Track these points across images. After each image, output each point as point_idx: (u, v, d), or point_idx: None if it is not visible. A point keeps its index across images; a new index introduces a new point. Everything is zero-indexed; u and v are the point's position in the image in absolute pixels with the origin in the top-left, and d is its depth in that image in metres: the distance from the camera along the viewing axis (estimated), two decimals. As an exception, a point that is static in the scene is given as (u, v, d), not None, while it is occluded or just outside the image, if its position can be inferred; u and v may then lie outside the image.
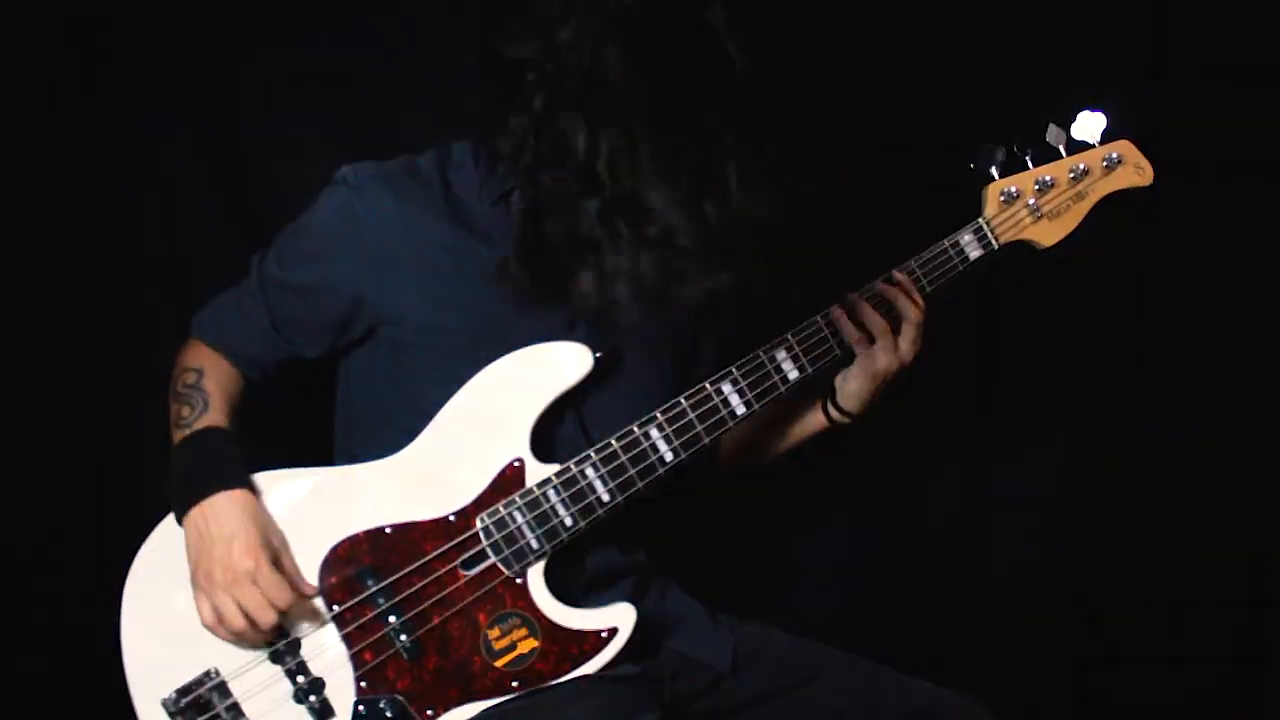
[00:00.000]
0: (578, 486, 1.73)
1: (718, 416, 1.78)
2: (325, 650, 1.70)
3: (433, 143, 1.80)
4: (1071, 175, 1.93)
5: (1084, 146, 1.94)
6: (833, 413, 1.96)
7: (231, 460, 1.71)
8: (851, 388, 1.91)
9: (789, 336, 1.82)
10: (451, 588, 1.71)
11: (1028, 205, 1.91)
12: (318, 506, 1.73)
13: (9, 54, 1.98)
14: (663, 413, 1.76)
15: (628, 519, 1.78)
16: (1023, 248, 1.93)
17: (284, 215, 1.82)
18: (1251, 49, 2.27)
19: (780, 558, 2.40)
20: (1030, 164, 1.92)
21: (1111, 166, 1.94)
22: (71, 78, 2.04)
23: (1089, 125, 1.93)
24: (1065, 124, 1.92)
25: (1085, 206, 1.94)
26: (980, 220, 1.90)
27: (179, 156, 2.11)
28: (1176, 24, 2.26)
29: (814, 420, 1.99)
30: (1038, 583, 2.41)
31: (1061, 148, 1.93)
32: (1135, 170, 1.95)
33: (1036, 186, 1.91)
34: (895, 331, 1.85)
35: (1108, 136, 1.93)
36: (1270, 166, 2.29)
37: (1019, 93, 2.21)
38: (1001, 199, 1.90)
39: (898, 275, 1.87)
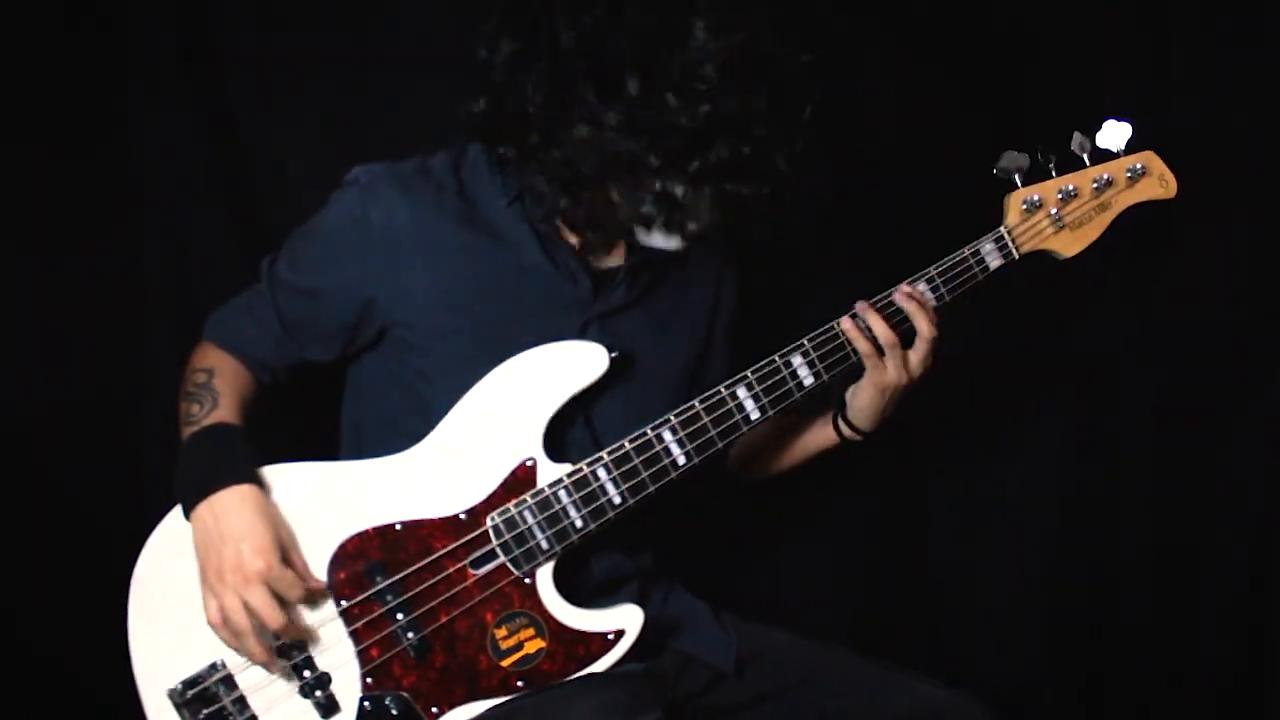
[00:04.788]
0: (589, 488, 1.72)
1: (731, 421, 1.77)
2: (332, 645, 1.69)
3: (436, 145, 1.77)
4: (1095, 185, 1.90)
5: (1108, 156, 1.91)
6: (843, 429, 1.92)
7: (240, 455, 1.69)
8: (860, 401, 1.87)
9: (805, 342, 1.80)
10: (460, 586, 1.71)
11: (1050, 215, 1.89)
12: (328, 501, 1.72)
13: (9, 55, 1.95)
14: (676, 415, 1.75)
15: (635, 524, 1.77)
16: (1043, 258, 1.92)
17: (285, 218, 1.81)
18: (1252, 49, 2.25)
19: (781, 558, 2.40)
20: (1054, 172, 1.89)
21: (1135, 178, 1.92)
22: (73, 80, 2.01)
23: (1114, 134, 1.90)
24: (1090, 133, 1.90)
25: (1108, 218, 1.91)
26: (1002, 229, 1.87)
27: (181, 158, 2.09)
28: (1176, 25, 2.24)
29: (824, 435, 1.95)
30: (1037, 583, 2.41)
31: (1086, 157, 1.90)
32: (1159, 182, 1.93)
33: (1059, 196, 1.89)
34: (905, 345, 1.80)
35: (1132, 147, 1.91)
36: (1271, 166, 2.27)
37: (1044, 100, 2.19)
38: (1024, 207, 1.88)
39: (912, 288, 1.81)
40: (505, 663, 1.71)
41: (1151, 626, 2.42)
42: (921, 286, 1.82)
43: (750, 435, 1.81)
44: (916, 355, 1.81)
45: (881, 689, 1.86)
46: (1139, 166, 1.92)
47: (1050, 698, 2.41)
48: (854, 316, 1.80)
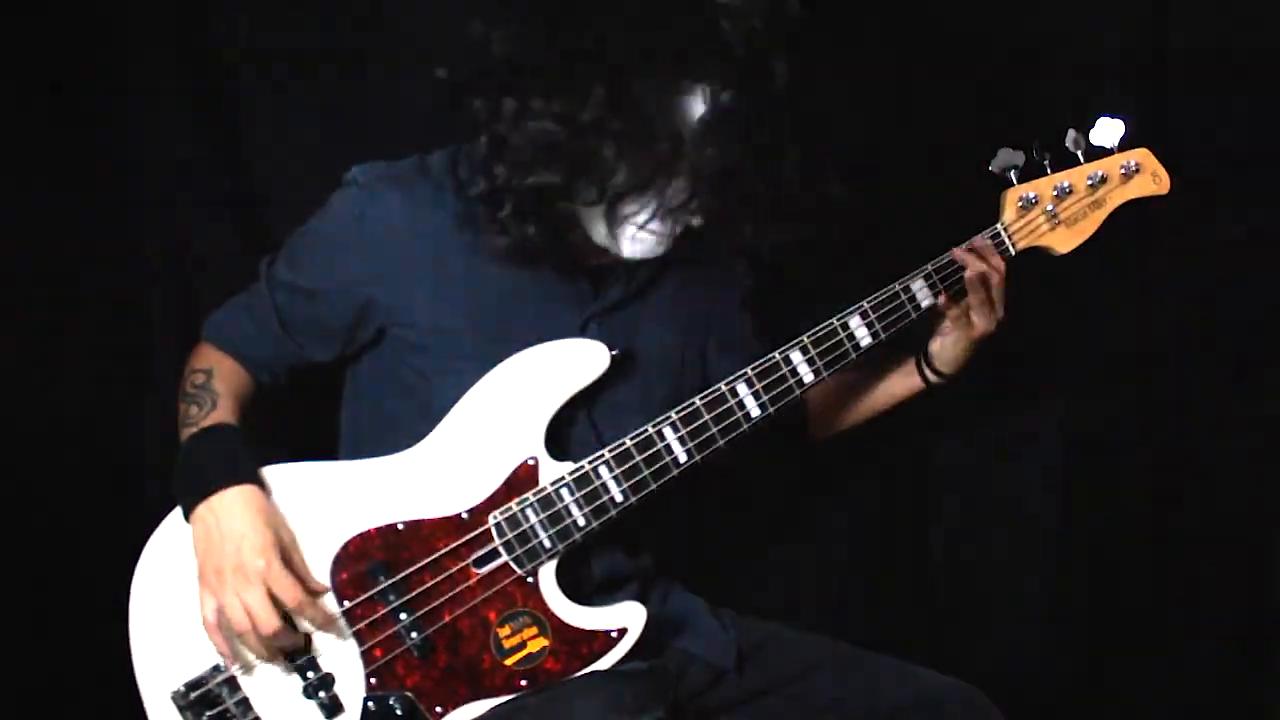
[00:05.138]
0: (591, 486, 1.72)
1: (733, 418, 1.77)
2: (335, 646, 1.69)
3: (434, 145, 1.77)
4: (1089, 182, 1.92)
5: (1102, 153, 1.93)
6: (931, 377, 1.95)
7: (239, 455, 1.69)
8: (951, 353, 1.91)
9: (804, 338, 1.81)
10: (463, 585, 1.70)
11: (1046, 211, 1.90)
12: (329, 501, 1.71)
13: (9, 56, 1.94)
14: (677, 412, 1.75)
15: (636, 522, 1.77)
16: (1038, 254, 1.93)
17: (285, 218, 1.80)
18: (1251, 49, 2.26)
19: (781, 557, 2.40)
20: (1049, 169, 1.91)
21: (1129, 174, 1.94)
22: (72, 81, 2.00)
23: (1108, 131, 1.92)
24: (1084, 129, 1.91)
25: (1102, 214, 1.93)
26: (998, 226, 1.89)
27: (179, 159, 2.08)
28: (1176, 24, 2.26)
29: (910, 384, 1.98)
30: (1038, 581, 2.42)
31: (1080, 154, 1.92)
32: (1153, 179, 1.95)
33: (1055, 192, 1.90)
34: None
35: (1126, 144, 1.93)
36: (1271, 166, 2.29)
37: (1038, 97, 2.20)
38: (1019, 204, 1.89)
39: (978, 242, 1.85)
40: (509, 661, 1.71)
41: (1152, 623, 2.42)
42: (920, 281, 1.85)
43: (820, 390, 1.84)
44: (997, 299, 1.85)
45: (881, 678, 1.87)
46: (1133, 163, 1.94)
47: (1050, 691, 2.41)
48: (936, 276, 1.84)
